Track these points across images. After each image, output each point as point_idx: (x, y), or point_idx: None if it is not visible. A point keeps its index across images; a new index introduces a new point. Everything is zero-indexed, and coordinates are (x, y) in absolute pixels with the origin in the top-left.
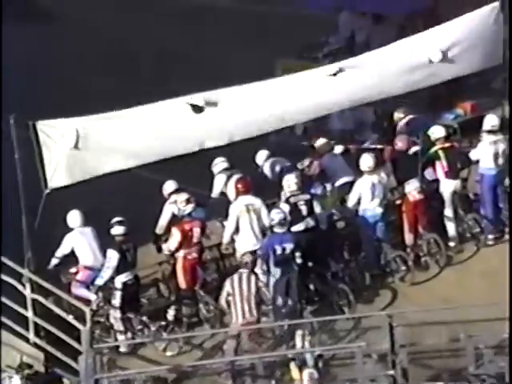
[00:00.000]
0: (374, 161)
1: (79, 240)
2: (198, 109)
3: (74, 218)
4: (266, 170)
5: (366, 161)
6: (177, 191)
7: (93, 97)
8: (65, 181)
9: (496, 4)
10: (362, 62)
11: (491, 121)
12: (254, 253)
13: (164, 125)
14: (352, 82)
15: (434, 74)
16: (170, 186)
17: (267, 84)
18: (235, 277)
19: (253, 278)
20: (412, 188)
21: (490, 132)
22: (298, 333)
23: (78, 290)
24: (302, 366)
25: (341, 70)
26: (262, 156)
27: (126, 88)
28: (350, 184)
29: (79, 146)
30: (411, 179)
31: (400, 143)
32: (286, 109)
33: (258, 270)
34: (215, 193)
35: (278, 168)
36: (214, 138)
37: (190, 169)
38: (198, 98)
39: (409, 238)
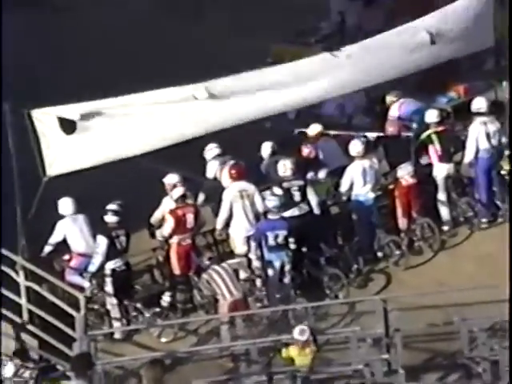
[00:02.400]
0: (363, 146)
1: (71, 227)
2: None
3: (65, 205)
4: (267, 167)
5: (355, 146)
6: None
7: (88, 84)
8: (64, 168)
9: None
10: (364, 48)
11: (478, 103)
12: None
13: (164, 113)
14: (354, 66)
15: (433, 55)
16: (171, 179)
17: (266, 71)
18: (210, 271)
19: (222, 263)
20: (405, 172)
21: (478, 114)
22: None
23: (72, 277)
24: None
25: (348, 57)
26: (266, 149)
27: (122, 76)
28: (343, 169)
29: (78, 133)
30: (404, 164)
31: (391, 128)
32: (286, 95)
33: (252, 255)
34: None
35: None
36: (211, 124)
37: (186, 155)
38: (201, 88)
39: (402, 222)
